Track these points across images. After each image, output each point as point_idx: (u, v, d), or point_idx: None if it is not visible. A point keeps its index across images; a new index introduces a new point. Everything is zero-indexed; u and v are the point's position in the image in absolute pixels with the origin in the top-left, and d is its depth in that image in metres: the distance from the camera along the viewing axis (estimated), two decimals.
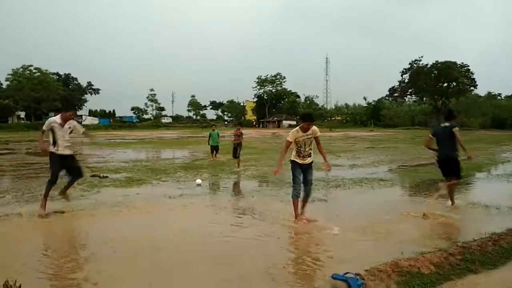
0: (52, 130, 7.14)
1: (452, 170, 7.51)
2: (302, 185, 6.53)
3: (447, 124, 7.57)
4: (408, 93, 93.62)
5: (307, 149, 6.49)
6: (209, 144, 17.09)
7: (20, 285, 3.56)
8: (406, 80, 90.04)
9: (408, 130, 65.87)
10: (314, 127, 6.53)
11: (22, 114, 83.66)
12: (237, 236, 5.78)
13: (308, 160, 6.53)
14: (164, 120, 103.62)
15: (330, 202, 8.41)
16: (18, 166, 15.07)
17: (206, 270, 4.45)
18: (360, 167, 14.42)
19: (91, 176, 11.77)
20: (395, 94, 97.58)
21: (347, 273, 3.97)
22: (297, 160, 6.49)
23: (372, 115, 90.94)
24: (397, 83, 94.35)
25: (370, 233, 5.83)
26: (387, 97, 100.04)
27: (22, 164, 15.85)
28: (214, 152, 16.91)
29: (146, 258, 4.79)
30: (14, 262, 4.62)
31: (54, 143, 7.18)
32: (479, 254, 4.73)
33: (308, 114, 6.71)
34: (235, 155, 14.14)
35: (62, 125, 7.17)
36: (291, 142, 6.43)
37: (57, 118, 7.21)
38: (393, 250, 4.91)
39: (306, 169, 6.57)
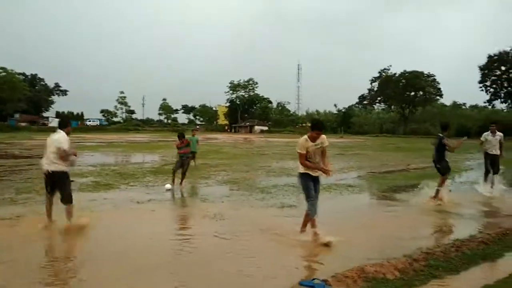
0: None
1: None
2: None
3: (439, 134, 9.57)
4: (377, 101, 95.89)
5: (317, 160, 5.99)
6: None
7: None
8: (375, 88, 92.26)
9: (377, 137, 67.30)
10: (323, 136, 6.04)
11: None
12: (204, 241, 5.72)
13: (318, 172, 6.03)
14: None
15: (300, 208, 8.43)
16: None
17: (166, 276, 4.38)
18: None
19: None
20: (365, 102, 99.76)
21: (314, 279, 4.00)
22: (309, 172, 5.97)
23: (342, 122, 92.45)
24: (367, 91, 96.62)
25: (338, 239, 5.88)
26: (357, 105, 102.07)
27: None
28: (193, 159, 15.71)
29: (111, 263, 4.68)
30: None
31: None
32: (442, 260, 4.85)
33: (318, 122, 6.20)
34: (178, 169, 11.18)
35: None
36: (305, 154, 5.88)
37: None
38: (359, 256, 4.98)
39: (316, 182, 6.08)
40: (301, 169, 6.02)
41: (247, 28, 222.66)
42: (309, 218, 5.94)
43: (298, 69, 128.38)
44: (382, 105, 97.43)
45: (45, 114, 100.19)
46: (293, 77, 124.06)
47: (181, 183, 10.87)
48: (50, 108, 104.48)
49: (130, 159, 20.67)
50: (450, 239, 5.72)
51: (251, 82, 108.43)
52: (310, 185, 5.94)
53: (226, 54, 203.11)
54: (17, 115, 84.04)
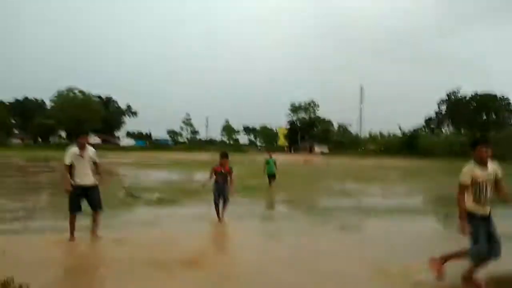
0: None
1: None
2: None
3: None
4: (446, 124, 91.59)
5: (488, 194, 4.54)
6: (264, 172, 15.24)
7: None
8: (443, 112, 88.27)
9: (445, 160, 63.97)
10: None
11: (63, 134, 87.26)
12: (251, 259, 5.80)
13: (488, 209, 4.59)
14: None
15: (363, 233, 8.25)
16: (55, 183, 15.67)
17: None
18: (393, 196, 14.13)
19: (125, 195, 12.11)
20: (432, 126, 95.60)
21: None
22: (477, 212, 4.52)
23: (407, 145, 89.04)
24: (434, 113, 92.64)
25: (400, 264, 5.70)
26: (423, 127, 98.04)
27: (59, 181, 16.43)
28: (271, 181, 15.05)
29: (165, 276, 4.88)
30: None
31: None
32: None
33: (485, 137, 5.06)
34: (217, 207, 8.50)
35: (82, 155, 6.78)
36: (466, 186, 4.54)
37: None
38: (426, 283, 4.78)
39: (488, 222, 4.58)
40: (468, 206, 4.55)
41: (310, 49, 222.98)
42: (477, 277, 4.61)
43: (361, 90, 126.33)
44: (451, 128, 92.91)
45: (116, 134, 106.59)
46: (356, 99, 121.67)
47: (220, 219, 8.41)
48: (122, 128, 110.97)
49: (193, 177, 21.34)
50: None
51: (312, 104, 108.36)
52: (480, 229, 4.46)
53: (289, 75, 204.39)
54: (92, 135, 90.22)
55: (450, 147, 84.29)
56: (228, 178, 8.52)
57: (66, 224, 6.65)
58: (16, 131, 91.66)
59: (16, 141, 77.50)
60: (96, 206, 6.86)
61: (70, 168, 6.67)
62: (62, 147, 55.92)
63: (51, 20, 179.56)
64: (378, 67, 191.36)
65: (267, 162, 15.18)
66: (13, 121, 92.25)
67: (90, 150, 6.95)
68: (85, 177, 6.75)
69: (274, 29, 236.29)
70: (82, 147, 6.80)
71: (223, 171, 8.48)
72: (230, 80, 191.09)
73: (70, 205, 6.68)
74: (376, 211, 10.55)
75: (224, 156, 8.63)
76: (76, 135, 7.24)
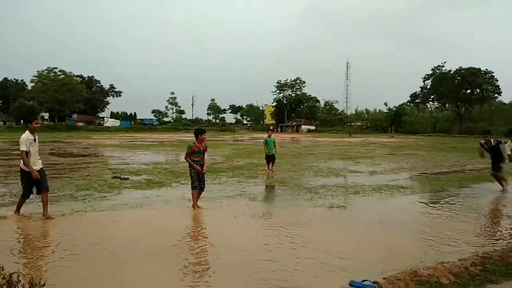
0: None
1: None
2: None
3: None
4: (430, 99, 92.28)
5: None
6: (266, 153, 14.39)
7: (44, 283, 3.67)
8: (428, 86, 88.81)
9: (430, 137, 64.77)
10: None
11: (46, 115, 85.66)
12: (250, 239, 5.82)
13: None
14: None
15: (350, 209, 8.33)
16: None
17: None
18: (380, 174, 14.28)
19: (112, 177, 12.01)
20: (417, 100, 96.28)
21: (365, 280, 3.97)
22: None
23: (393, 121, 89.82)
24: (419, 89, 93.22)
25: (389, 240, 5.78)
26: (408, 103, 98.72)
27: (46, 164, 16.20)
28: (271, 163, 14.26)
29: (156, 259, 4.88)
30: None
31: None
32: (500, 264, 4.66)
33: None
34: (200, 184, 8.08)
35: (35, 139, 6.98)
36: None
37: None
38: (412, 258, 4.87)
39: None
40: None
41: (295, 27, 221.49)
42: None
43: (347, 67, 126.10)
44: (436, 104, 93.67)
45: (100, 115, 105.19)
46: (342, 76, 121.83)
47: (195, 206, 7.93)
48: (106, 108, 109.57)
49: (180, 157, 21.23)
50: (509, 243, 5.45)
51: (298, 81, 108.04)
52: None
53: (274, 54, 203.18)
54: (75, 116, 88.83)
55: (435, 122, 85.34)
56: (204, 157, 8.23)
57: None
58: None
59: None
60: (45, 187, 7.05)
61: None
62: (44, 129, 55.02)
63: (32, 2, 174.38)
64: (364, 45, 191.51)
65: (266, 142, 14.34)
66: None
67: (36, 136, 7.09)
68: (38, 161, 7.02)
69: (260, 6, 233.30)
70: (34, 132, 6.97)
71: (201, 148, 8.13)
72: (216, 59, 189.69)
73: (27, 190, 6.96)
74: (363, 189, 10.66)
75: (201, 132, 8.15)
76: (29, 120, 7.26)
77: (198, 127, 8.59)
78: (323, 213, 7.77)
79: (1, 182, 11.19)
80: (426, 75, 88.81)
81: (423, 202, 9.29)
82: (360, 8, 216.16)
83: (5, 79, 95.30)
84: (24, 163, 6.83)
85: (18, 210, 7.14)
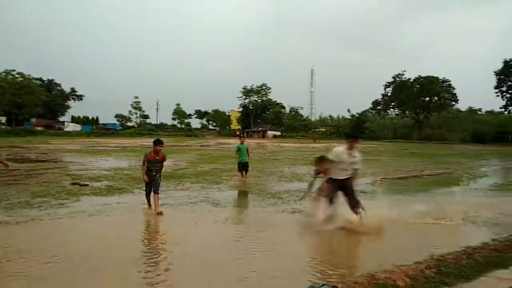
0: None
1: None
2: None
3: None
4: (391, 106, 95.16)
5: None
6: (238, 160, 13.62)
7: None
8: (389, 94, 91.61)
9: (391, 143, 66.68)
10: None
11: (3, 119, 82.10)
12: (212, 243, 5.78)
13: None
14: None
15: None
16: None
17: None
18: None
19: (71, 184, 11.64)
20: (378, 107, 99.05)
21: (324, 285, 4.01)
22: None
23: (355, 128, 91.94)
24: (381, 96, 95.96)
25: (347, 245, 5.88)
26: (370, 110, 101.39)
27: (1, 170, 15.50)
28: (244, 171, 13.52)
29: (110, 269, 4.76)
30: None
31: None
32: (453, 267, 4.82)
33: None
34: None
35: None
36: None
37: None
38: (369, 262, 4.97)
39: None
40: None
41: (258, 33, 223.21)
42: None
43: (312, 74, 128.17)
44: (396, 111, 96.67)
45: (61, 119, 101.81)
46: (306, 83, 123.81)
47: (151, 206, 8.36)
48: (66, 112, 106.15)
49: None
50: (462, 246, 5.66)
51: (264, 87, 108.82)
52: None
53: (239, 60, 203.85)
54: (33, 120, 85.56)
55: (395, 129, 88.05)
56: (161, 166, 8.39)
57: None
58: None
59: None
60: None
61: None
62: (1, 133, 52.82)
63: None
64: (329, 52, 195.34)
65: (238, 149, 13.61)
66: None
67: None
68: None
69: (225, 15, 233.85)
70: None
71: (157, 158, 8.28)
72: (183, 64, 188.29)
73: None
74: None
75: (159, 143, 8.31)
76: None
77: (157, 138, 8.70)
78: (286, 218, 7.82)
79: None
80: (387, 82, 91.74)
81: (381, 206, 9.49)
82: (321, 15, 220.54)
83: None
84: None
85: None
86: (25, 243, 5.81)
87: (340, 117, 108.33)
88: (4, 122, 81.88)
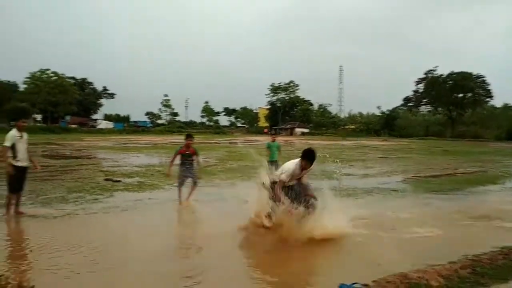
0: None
1: None
2: None
3: None
4: (423, 103, 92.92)
5: None
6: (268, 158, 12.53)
7: (33, 285, 3.65)
8: (421, 90, 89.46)
9: (422, 140, 65.18)
10: None
11: (39, 117, 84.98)
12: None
13: None
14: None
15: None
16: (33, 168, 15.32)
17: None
18: (372, 176, 14.35)
19: (104, 179, 11.95)
20: (409, 104, 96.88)
21: (355, 283, 3.99)
22: None
23: (385, 125, 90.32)
24: (412, 93, 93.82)
25: (380, 243, 5.81)
26: (401, 107, 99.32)
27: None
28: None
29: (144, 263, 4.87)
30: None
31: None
32: (489, 267, 4.70)
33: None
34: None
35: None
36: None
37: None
38: (402, 261, 4.90)
39: None
40: None
41: (286, 30, 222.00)
42: None
43: (340, 70, 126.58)
44: (428, 107, 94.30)
45: (94, 117, 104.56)
46: (335, 80, 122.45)
47: (182, 202, 8.65)
48: (99, 110, 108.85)
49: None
50: (498, 246, 5.50)
51: (291, 84, 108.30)
52: None
53: (267, 57, 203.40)
54: (68, 118, 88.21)
55: (427, 126, 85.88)
56: (195, 160, 8.87)
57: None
58: None
59: None
60: (24, 186, 7.47)
61: (12, 150, 7.13)
62: (36, 130, 54.62)
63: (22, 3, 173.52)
64: (358, 49, 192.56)
65: (269, 146, 12.90)
66: None
67: (25, 134, 7.45)
68: (25, 159, 7.37)
69: (253, 12, 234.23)
70: (21, 130, 7.36)
71: (188, 152, 8.77)
72: (210, 62, 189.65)
73: (13, 184, 7.18)
74: (355, 191, 10.71)
75: (188, 136, 8.95)
76: (16, 119, 7.77)
77: (188, 133, 9.45)
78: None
79: None
80: (418, 79, 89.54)
81: (414, 204, 9.34)
82: (347, 8, 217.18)
83: None
84: (3, 158, 7.19)
85: (8, 210, 7.19)
86: (63, 236, 6.02)
87: (370, 114, 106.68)
88: (40, 119, 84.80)
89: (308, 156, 5.83)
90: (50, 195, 9.31)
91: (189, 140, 8.83)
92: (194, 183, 8.68)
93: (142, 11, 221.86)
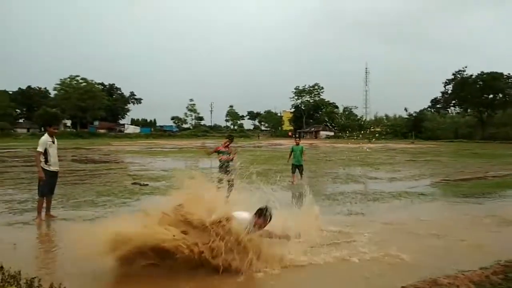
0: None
1: None
2: None
3: None
4: (452, 104, 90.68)
5: None
6: (289, 162, 13.44)
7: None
8: (449, 91, 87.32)
9: (451, 143, 63.65)
10: None
11: (68, 122, 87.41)
12: None
13: None
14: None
15: (368, 216, 8.27)
16: (63, 173, 15.72)
17: None
18: (400, 180, 14.11)
19: (132, 183, 12.18)
20: (438, 106, 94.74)
21: None
22: None
23: (413, 127, 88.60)
24: (440, 94, 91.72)
25: (409, 249, 5.71)
26: (429, 109, 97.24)
27: (68, 170, 16.53)
28: (297, 172, 12.93)
29: None
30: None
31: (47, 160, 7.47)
32: None
33: None
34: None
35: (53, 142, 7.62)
36: None
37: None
38: (431, 266, 4.81)
39: None
40: None
41: (310, 33, 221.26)
42: None
43: (366, 72, 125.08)
44: (457, 109, 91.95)
45: (121, 122, 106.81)
46: (361, 82, 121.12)
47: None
48: (126, 115, 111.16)
49: (199, 164, 21.37)
50: None
51: (316, 87, 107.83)
52: None
53: (291, 60, 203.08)
54: (96, 123, 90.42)
55: (456, 128, 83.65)
56: (231, 156, 9.78)
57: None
58: (21, 121, 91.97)
59: (21, 130, 77.78)
60: (54, 190, 7.79)
61: (44, 155, 7.39)
62: (67, 135, 56.09)
63: (50, 11, 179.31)
64: (383, 50, 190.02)
65: (293, 150, 13.05)
66: (17, 111, 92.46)
67: (55, 139, 7.75)
68: (56, 163, 7.64)
69: (276, 14, 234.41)
70: (52, 135, 7.62)
71: (226, 149, 9.88)
72: (235, 66, 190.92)
73: (44, 188, 7.39)
74: (382, 195, 10.56)
75: (229, 137, 10.37)
76: (47, 125, 8.00)
77: (229, 134, 11.52)
78: (342, 219, 7.73)
79: (25, 188, 11.45)
80: (447, 80, 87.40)
81: (443, 209, 9.14)
82: (371, 8, 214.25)
83: (29, 87, 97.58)
84: (36, 162, 7.46)
85: (39, 213, 7.42)
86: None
87: (397, 116, 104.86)
88: (69, 125, 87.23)
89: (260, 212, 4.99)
90: (80, 199, 9.56)
91: (229, 140, 10.14)
92: (230, 185, 8.54)
93: (166, 19, 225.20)
